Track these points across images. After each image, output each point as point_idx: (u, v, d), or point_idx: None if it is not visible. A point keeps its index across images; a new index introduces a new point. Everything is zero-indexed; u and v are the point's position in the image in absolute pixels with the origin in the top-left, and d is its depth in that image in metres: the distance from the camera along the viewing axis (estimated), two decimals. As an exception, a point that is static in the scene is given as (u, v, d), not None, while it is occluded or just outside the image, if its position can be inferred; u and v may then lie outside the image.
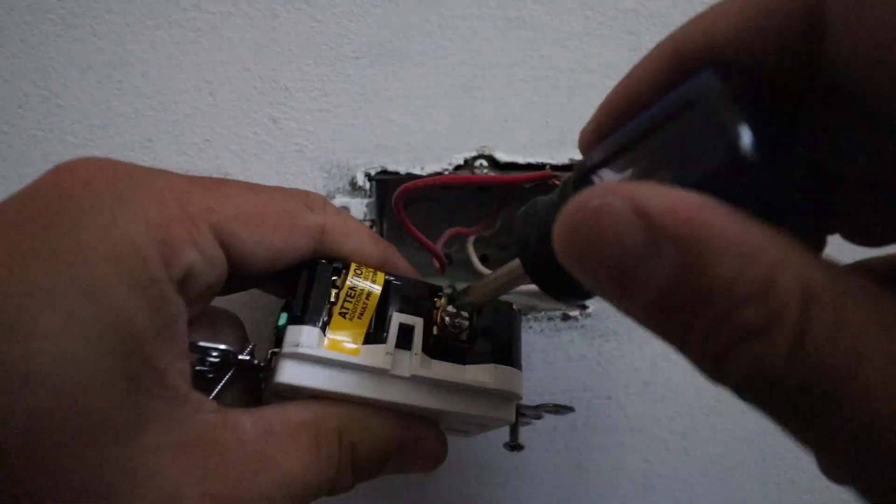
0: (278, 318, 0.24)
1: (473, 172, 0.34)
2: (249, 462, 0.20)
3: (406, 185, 0.29)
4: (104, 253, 0.18)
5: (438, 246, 0.34)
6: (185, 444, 0.19)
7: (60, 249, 0.17)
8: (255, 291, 0.30)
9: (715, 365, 0.12)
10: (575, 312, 0.38)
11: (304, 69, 0.33)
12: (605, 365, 0.40)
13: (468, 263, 0.40)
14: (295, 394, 0.23)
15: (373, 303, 0.24)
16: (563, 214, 0.13)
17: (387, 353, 0.24)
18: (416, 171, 0.34)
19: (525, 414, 0.28)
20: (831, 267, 0.11)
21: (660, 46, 0.17)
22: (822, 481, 0.48)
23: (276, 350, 0.23)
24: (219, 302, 0.26)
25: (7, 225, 0.18)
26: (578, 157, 0.36)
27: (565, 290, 0.20)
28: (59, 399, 0.16)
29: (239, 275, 0.23)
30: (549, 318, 0.38)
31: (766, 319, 0.11)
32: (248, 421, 0.21)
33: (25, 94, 0.32)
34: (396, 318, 0.25)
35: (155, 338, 0.18)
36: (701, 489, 0.44)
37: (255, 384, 0.25)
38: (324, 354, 0.23)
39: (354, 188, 0.34)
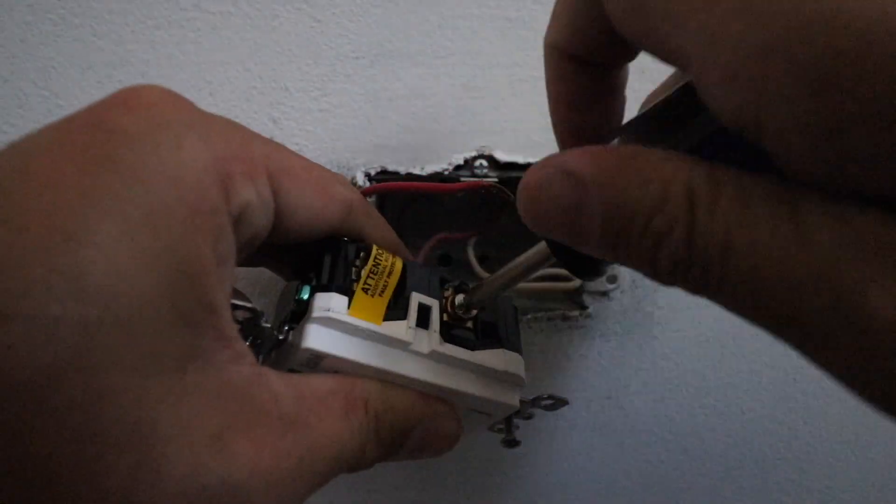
0: (299, 291, 0.24)
1: (473, 172, 0.34)
2: (285, 422, 0.20)
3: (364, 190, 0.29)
4: (167, 174, 0.17)
5: (425, 250, 0.34)
6: (225, 392, 0.18)
7: (124, 165, 0.16)
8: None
9: (652, 268, 0.15)
10: (575, 312, 0.38)
11: (304, 69, 0.33)
12: (605, 365, 0.40)
13: (468, 264, 0.40)
14: (313, 365, 0.23)
15: (393, 282, 0.25)
16: (518, 191, 0.17)
17: (408, 328, 0.24)
18: (416, 171, 0.34)
19: (519, 410, 0.28)
20: (715, 171, 0.14)
21: (550, 58, 0.21)
22: (822, 482, 0.48)
23: (293, 325, 0.24)
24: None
25: (74, 135, 0.17)
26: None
27: (587, 266, 0.22)
28: (110, 314, 0.15)
29: (276, 234, 0.23)
30: (549, 319, 0.38)
31: (669, 223, 0.14)
32: (279, 382, 0.20)
33: (25, 94, 0.32)
34: (415, 298, 0.25)
35: (212, 271, 0.18)
36: (702, 489, 0.44)
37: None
38: (351, 321, 0.23)
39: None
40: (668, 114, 0.17)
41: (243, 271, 0.33)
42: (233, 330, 0.19)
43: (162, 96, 0.19)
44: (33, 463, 0.14)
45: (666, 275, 0.15)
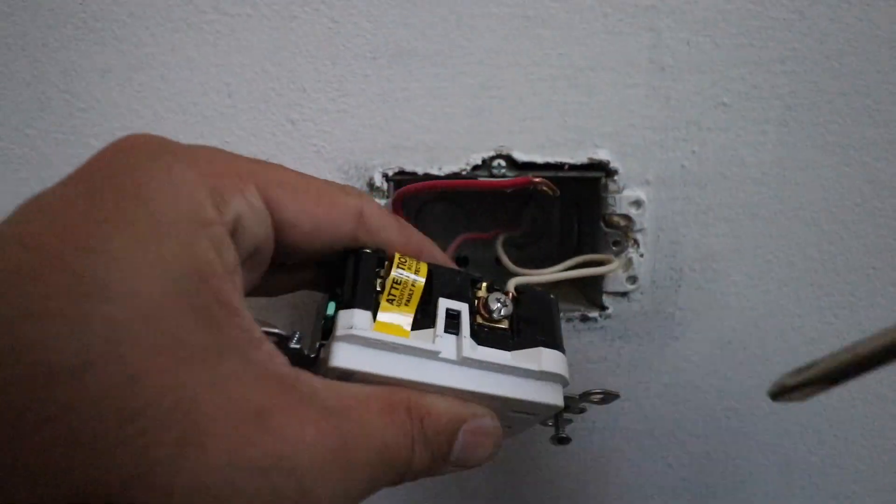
0: (325, 307, 0.24)
1: (491, 173, 0.34)
2: (329, 414, 0.20)
3: (402, 189, 0.29)
4: (165, 193, 0.18)
5: (450, 251, 0.34)
6: (263, 379, 0.19)
7: (125, 189, 0.18)
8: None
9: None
10: (594, 314, 0.38)
11: (321, 70, 0.33)
12: (626, 367, 0.39)
13: (488, 264, 0.40)
14: (345, 380, 0.23)
15: (418, 290, 0.25)
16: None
17: (436, 336, 0.24)
18: (434, 172, 0.34)
19: (569, 406, 0.27)
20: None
21: None
22: (848, 486, 0.47)
23: (324, 342, 0.23)
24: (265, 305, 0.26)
25: (77, 176, 0.19)
26: (597, 156, 0.35)
27: None
28: (136, 311, 0.16)
29: (284, 249, 0.23)
30: (569, 320, 0.38)
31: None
32: (317, 381, 0.21)
33: (48, 98, 0.32)
34: (443, 304, 0.25)
35: (223, 275, 0.18)
36: (723, 493, 0.43)
37: None
38: (376, 336, 0.23)
39: (372, 189, 0.34)
40: None
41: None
42: (260, 332, 0.20)
43: (146, 137, 0.21)
44: (79, 443, 0.15)
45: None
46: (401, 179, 0.34)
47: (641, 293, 0.38)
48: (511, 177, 0.34)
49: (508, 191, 0.31)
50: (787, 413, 0.41)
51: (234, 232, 0.20)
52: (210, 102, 0.33)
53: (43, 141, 0.32)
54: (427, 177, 0.34)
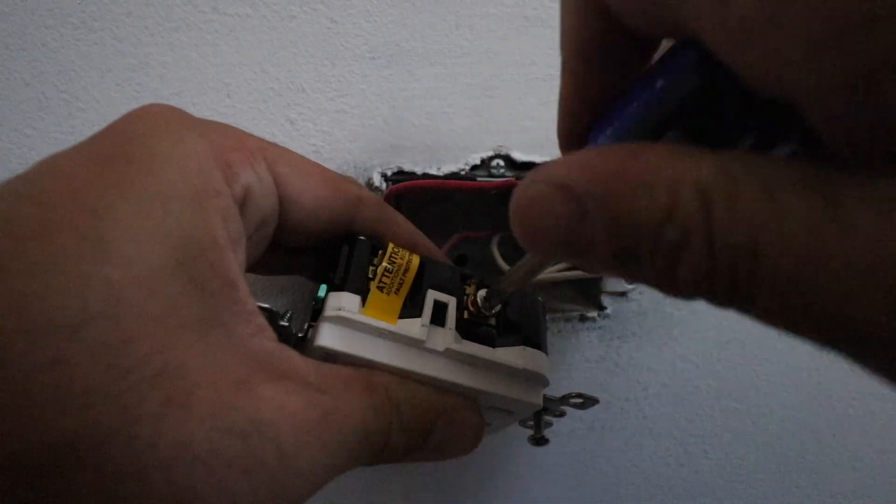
0: (317, 290, 0.25)
1: (490, 172, 0.34)
2: (310, 389, 0.20)
3: (391, 188, 0.29)
4: (173, 163, 0.19)
5: (445, 249, 0.34)
6: (248, 355, 0.19)
7: (135, 158, 0.19)
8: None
9: (671, 286, 0.13)
10: (593, 313, 0.38)
11: (320, 70, 0.33)
12: (624, 366, 0.39)
13: (487, 264, 0.40)
14: (330, 362, 0.23)
15: (409, 279, 0.25)
16: (510, 211, 0.15)
17: (422, 326, 0.24)
18: (433, 172, 0.34)
19: (548, 408, 0.28)
20: (728, 162, 0.12)
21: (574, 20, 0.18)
22: (845, 486, 0.47)
23: (313, 323, 0.24)
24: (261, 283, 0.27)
25: (92, 142, 0.19)
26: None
27: None
28: (133, 276, 0.17)
29: (285, 227, 0.24)
30: (567, 320, 0.38)
31: (683, 231, 0.12)
32: (301, 358, 0.21)
33: (47, 97, 0.32)
34: (431, 295, 0.25)
35: (225, 246, 0.19)
36: (721, 493, 0.43)
37: None
38: (363, 320, 0.23)
39: (371, 189, 0.34)
40: (660, 91, 0.15)
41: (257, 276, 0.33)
42: (253, 305, 0.20)
43: (163, 107, 0.21)
44: (69, 394, 0.16)
45: (687, 291, 0.13)
46: (399, 179, 0.34)
47: (640, 293, 0.38)
48: (510, 177, 0.34)
49: (493, 192, 0.32)
50: (785, 413, 0.41)
51: (243, 204, 0.21)
52: (209, 102, 0.33)
53: (42, 141, 0.32)
54: (425, 176, 0.34)
